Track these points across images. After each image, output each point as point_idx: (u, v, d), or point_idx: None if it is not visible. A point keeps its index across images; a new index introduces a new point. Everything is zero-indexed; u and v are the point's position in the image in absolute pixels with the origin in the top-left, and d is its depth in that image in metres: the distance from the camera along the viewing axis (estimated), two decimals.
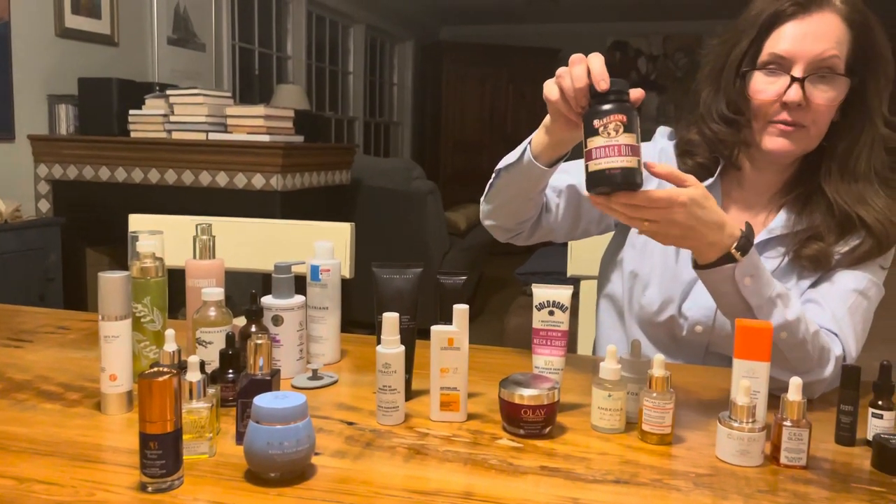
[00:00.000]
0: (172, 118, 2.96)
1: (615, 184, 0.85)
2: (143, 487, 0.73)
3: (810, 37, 1.06)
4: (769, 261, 1.15)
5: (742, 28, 1.13)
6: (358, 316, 2.84)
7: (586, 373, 1.12)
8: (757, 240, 1.15)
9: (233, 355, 0.95)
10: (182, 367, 0.82)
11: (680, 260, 1.20)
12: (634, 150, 0.85)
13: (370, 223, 3.77)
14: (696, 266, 0.97)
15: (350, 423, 0.91)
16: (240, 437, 0.82)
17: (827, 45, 1.06)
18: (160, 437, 0.72)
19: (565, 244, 1.50)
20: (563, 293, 0.98)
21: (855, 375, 0.88)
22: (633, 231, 1.25)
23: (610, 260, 1.31)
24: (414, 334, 1.02)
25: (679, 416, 0.90)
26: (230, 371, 0.94)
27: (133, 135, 3.01)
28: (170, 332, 0.89)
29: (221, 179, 2.93)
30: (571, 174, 1.20)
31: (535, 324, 0.99)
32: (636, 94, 0.90)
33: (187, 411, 0.78)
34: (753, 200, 1.20)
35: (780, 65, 1.08)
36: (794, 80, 1.06)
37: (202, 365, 0.83)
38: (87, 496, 0.72)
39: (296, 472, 0.76)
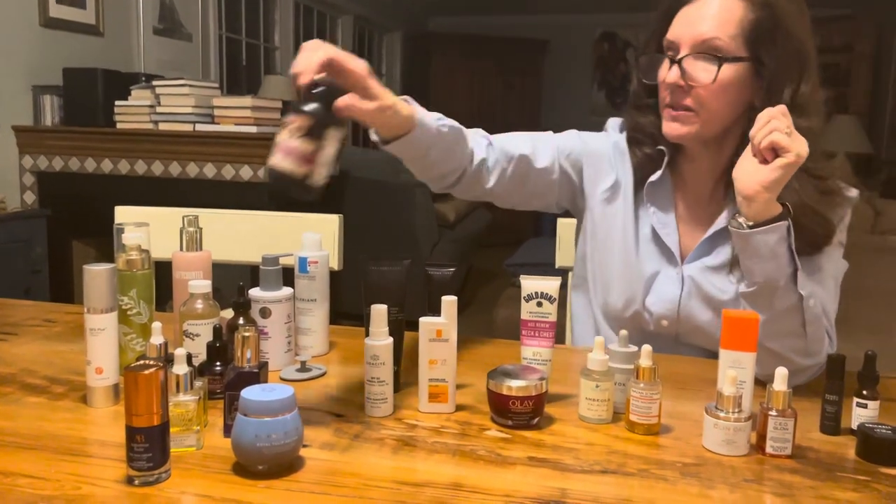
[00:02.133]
0: (159, 109, 2.93)
1: (276, 182, 0.84)
2: (129, 481, 0.72)
3: (695, 19, 1.07)
4: (720, 254, 1.15)
5: (653, 20, 1.14)
6: (347, 308, 2.84)
7: (574, 363, 1.12)
8: (707, 233, 1.16)
9: (220, 348, 0.94)
10: (169, 360, 0.82)
11: (640, 255, 1.20)
12: (308, 159, 0.83)
13: (359, 215, 3.76)
14: (754, 226, 0.96)
15: (338, 415, 0.91)
16: (227, 430, 0.82)
17: (710, 25, 1.05)
18: (147, 430, 0.71)
19: (553, 236, 1.51)
20: (551, 284, 0.98)
21: (840, 365, 0.89)
22: (589, 226, 1.25)
23: (578, 257, 1.32)
24: (402, 326, 1.02)
25: (666, 406, 0.90)
26: (217, 363, 0.94)
27: (119, 126, 2.98)
28: (156, 325, 0.89)
29: (209, 171, 2.91)
30: (527, 143, 1.21)
31: (524, 315, 0.99)
32: (344, 102, 0.88)
33: (174, 404, 0.78)
34: (699, 191, 1.20)
35: (672, 50, 1.09)
36: (672, 62, 1.07)
37: (189, 357, 0.83)
38: (73, 490, 0.71)
39: (284, 464, 0.76)
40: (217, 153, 2.90)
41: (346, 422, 0.89)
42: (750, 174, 0.95)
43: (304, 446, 0.80)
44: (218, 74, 4.38)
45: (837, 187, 1.10)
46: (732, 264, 1.13)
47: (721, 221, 1.15)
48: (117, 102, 2.98)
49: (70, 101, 3.04)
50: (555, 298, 0.98)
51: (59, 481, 0.73)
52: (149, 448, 0.72)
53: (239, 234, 1.56)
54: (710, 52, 1.05)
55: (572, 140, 1.26)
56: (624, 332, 0.95)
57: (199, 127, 2.91)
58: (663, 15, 1.12)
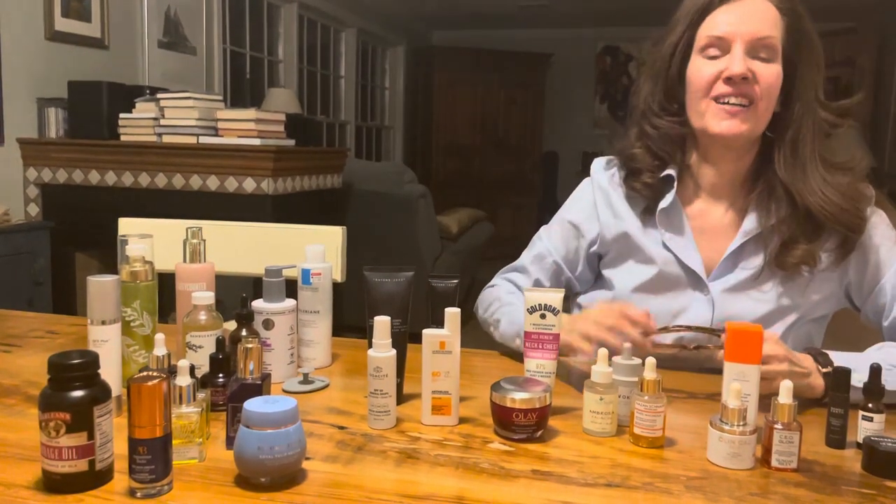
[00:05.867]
0: (163, 122, 2.94)
1: (58, 488, 0.72)
2: (132, 493, 0.72)
3: (746, 17, 1.09)
4: (747, 267, 1.14)
5: (675, 23, 1.15)
6: (349, 320, 2.83)
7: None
8: (733, 245, 1.15)
9: (223, 359, 0.94)
10: (172, 372, 0.82)
11: (665, 286, 1.18)
12: (86, 450, 0.72)
13: (362, 227, 3.75)
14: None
15: (341, 428, 0.91)
16: (230, 442, 0.82)
17: (763, 25, 1.08)
18: (149, 441, 0.71)
19: None
20: (554, 296, 0.98)
21: (845, 378, 0.88)
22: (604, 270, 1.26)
23: (588, 298, 1.30)
24: (405, 338, 1.02)
25: (670, 419, 0.89)
26: (220, 375, 0.94)
27: (123, 138, 2.99)
28: (159, 337, 0.89)
29: (212, 183, 2.92)
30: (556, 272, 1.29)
31: (527, 327, 0.99)
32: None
33: (177, 416, 0.78)
34: (716, 201, 1.19)
35: (719, 47, 1.10)
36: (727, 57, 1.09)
37: (192, 369, 0.83)
38: (76, 501, 0.71)
39: (286, 476, 0.75)
40: (220, 165, 2.91)
41: (348, 434, 0.89)
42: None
43: (307, 458, 0.80)
44: (222, 87, 4.40)
45: (857, 182, 1.14)
46: (761, 274, 1.13)
47: (748, 226, 1.14)
48: (122, 115, 2.99)
49: (75, 113, 3.05)
50: (558, 310, 0.98)
51: (62, 493, 0.72)
52: (151, 460, 0.71)
53: (242, 246, 1.56)
54: (766, 48, 1.08)
55: (567, 240, 1.29)
56: (627, 345, 0.95)
57: (203, 139, 2.92)
58: (698, 12, 1.12)
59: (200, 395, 0.82)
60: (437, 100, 7.23)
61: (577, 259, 1.28)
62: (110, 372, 0.91)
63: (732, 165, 1.16)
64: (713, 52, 1.10)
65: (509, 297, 1.26)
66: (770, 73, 1.08)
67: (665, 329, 1.05)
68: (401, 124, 7.41)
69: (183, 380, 0.79)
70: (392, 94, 7.33)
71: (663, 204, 1.18)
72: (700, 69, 1.11)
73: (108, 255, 3.07)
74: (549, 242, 1.30)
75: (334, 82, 6.20)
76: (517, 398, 0.87)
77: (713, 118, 1.10)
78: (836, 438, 0.88)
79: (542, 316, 0.98)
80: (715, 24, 1.10)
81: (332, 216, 3.49)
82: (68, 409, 0.71)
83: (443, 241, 4.27)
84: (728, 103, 1.09)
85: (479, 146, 7.34)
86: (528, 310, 0.99)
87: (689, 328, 1.06)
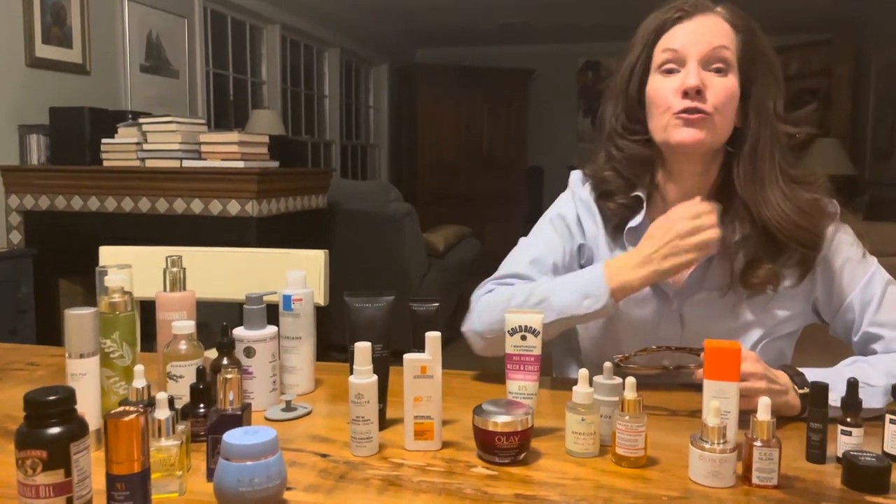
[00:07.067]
0: (146, 146, 2.94)
1: None
2: None
3: (699, 33, 1.12)
4: (713, 283, 1.15)
5: (632, 45, 1.18)
6: (336, 339, 2.82)
7: (560, 396, 1.12)
8: (698, 262, 1.14)
9: (203, 389, 0.93)
10: (151, 404, 0.81)
11: (634, 306, 1.18)
12: (62, 488, 0.70)
13: (348, 246, 3.76)
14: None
15: (324, 456, 0.90)
16: (211, 474, 0.81)
17: (717, 39, 1.11)
18: (127, 477, 0.71)
19: None
20: (534, 318, 0.99)
21: (823, 393, 0.89)
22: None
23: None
24: (387, 363, 1.02)
25: (652, 437, 0.90)
26: (201, 405, 0.93)
27: (106, 164, 2.99)
28: (139, 368, 0.88)
29: (196, 207, 2.92)
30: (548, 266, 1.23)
31: (508, 349, 0.99)
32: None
33: (156, 449, 0.77)
34: None
35: (675, 62, 1.12)
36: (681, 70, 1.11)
37: (171, 401, 0.82)
38: None
39: None
40: (204, 189, 2.90)
41: (331, 462, 0.89)
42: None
43: (288, 489, 0.80)
44: (205, 110, 4.40)
45: (820, 199, 1.14)
46: (730, 286, 1.13)
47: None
48: (104, 140, 2.99)
49: (57, 139, 3.04)
50: (539, 332, 0.98)
51: None
52: (129, 496, 0.71)
53: (224, 272, 1.56)
54: (720, 61, 1.10)
55: (563, 237, 1.26)
56: (608, 364, 0.95)
57: (186, 163, 2.91)
58: (653, 33, 1.15)
59: (180, 428, 0.81)
60: (421, 117, 7.26)
61: (572, 261, 1.25)
62: (89, 405, 0.90)
63: (697, 180, 1.17)
64: (670, 66, 1.13)
65: (530, 284, 1.19)
66: (725, 86, 1.10)
67: (645, 351, 1.06)
68: (386, 142, 7.43)
69: (162, 413, 0.79)
70: (376, 112, 7.35)
71: (632, 223, 1.19)
72: (658, 86, 1.13)
73: (92, 281, 3.04)
74: (543, 245, 1.25)
75: (318, 102, 6.21)
76: (499, 422, 0.87)
77: (673, 129, 1.11)
78: (816, 453, 0.89)
79: (523, 337, 0.98)
80: (671, 40, 1.13)
81: (318, 236, 3.49)
82: (45, 447, 0.70)
83: (430, 259, 4.27)
84: (686, 112, 1.10)
85: (464, 163, 7.37)
86: (508, 332, 0.99)
87: (668, 349, 1.07)
